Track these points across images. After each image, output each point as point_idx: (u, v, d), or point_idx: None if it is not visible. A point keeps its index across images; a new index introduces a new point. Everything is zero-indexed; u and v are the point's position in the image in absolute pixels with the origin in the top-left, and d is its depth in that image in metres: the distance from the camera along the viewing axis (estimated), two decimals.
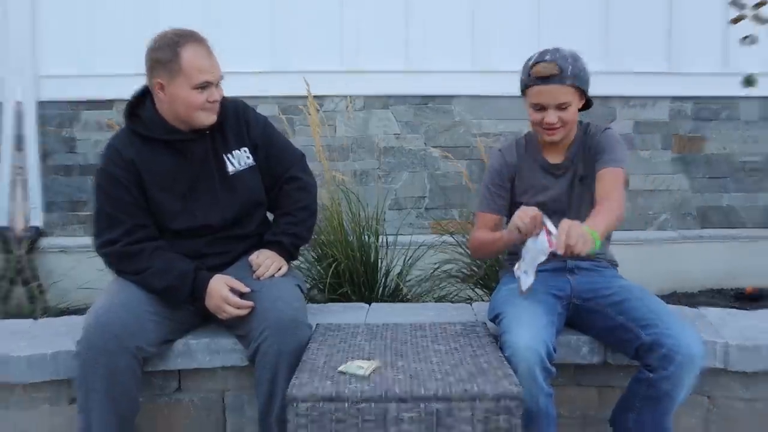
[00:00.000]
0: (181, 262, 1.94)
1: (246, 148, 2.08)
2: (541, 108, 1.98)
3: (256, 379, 1.87)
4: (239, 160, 2.07)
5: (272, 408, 1.84)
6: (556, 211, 2.05)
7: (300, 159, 2.21)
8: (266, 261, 2.02)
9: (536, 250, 1.82)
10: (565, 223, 1.76)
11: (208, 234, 2.03)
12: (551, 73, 1.92)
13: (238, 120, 2.10)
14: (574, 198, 2.13)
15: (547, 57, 1.95)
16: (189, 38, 1.93)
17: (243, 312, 1.90)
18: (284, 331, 1.83)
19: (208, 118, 1.97)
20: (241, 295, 1.93)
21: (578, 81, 1.96)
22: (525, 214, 1.84)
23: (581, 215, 1.98)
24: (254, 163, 2.09)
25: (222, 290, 1.91)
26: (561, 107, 1.96)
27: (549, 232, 1.80)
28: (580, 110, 2.08)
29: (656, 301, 1.96)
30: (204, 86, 1.91)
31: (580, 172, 2.11)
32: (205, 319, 2.09)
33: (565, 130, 2.03)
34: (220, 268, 2.02)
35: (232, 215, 2.05)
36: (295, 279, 2.12)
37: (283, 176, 2.13)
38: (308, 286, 2.51)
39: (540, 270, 1.93)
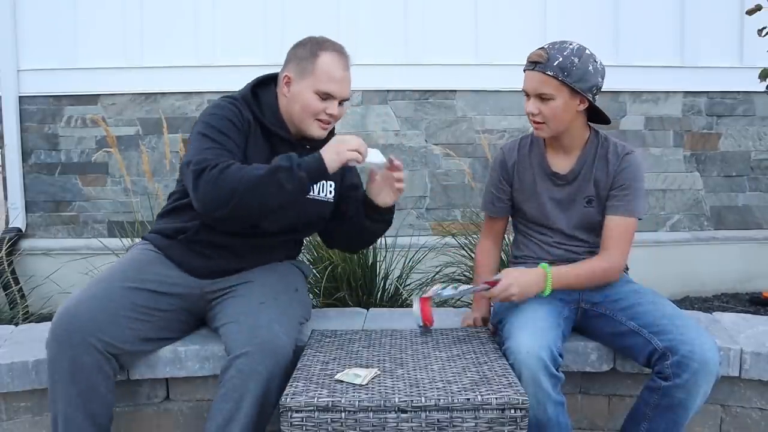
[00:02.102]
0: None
1: (333, 183, 2.10)
2: (527, 96, 1.96)
3: (218, 395, 1.77)
4: (321, 189, 2.08)
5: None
6: (548, 224, 2.08)
7: None
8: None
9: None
10: (506, 279, 1.85)
11: (255, 235, 1.99)
12: (537, 59, 1.90)
13: None
14: (572, 215, 2.06)
15: (546, 45, 1.93)
16: (333, 47, 1.97)
17: (364, 146, 1.85)
18: (268, 355, 1.75)
19: (318, 131, 1.98)
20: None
21: (566, 76, 1.87)
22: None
23: (572, 233, 2.04)
24: (333, 201, 2.11)
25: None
26: (542, 98, 1.91)
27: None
28: (591, 121, 2.03)
29: (669, 305, 1.92)
30: (326, 96, 1.94)
31: (587, 193, 2.04)
32: (195, 322, 2.06)
33: (550, 128, 1.96)
34: (239, 271, 2.01)
35: (285, 229, 2.05)
36: (301, 306, 2.07)
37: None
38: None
39: None
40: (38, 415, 2.00)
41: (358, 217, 2.07)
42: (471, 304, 2.91)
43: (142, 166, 3.26)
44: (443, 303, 2.91)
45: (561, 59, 1.87)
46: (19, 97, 3.72)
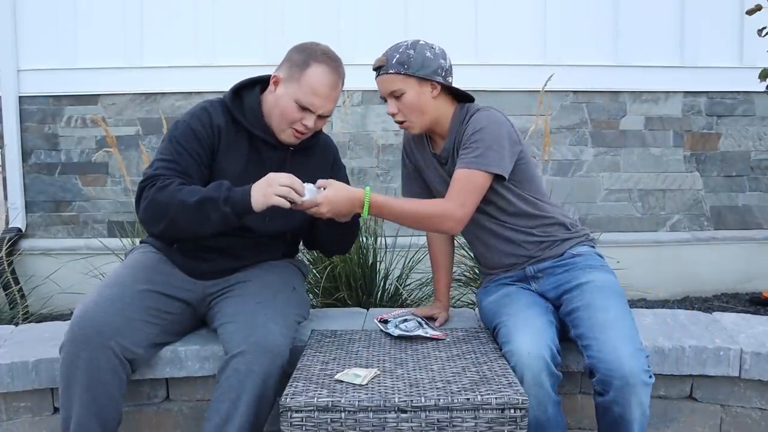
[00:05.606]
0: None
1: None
2: (385, 100, 2.02)
3: (215, 395, 1.77)
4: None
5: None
6: None
7: None
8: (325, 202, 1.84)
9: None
10: (330, 191, 1.82)
11: (243, 235, 1.99)
12: (379, 64, 1.98)
13: (326, 156, 2.13)
14: None
15: (385, 50, 2.00)
16: (329, 62, 1.92)
17: (297, 184, 1.78)
18: (264, 354, 1.75)
19: (290, 138, 1.97)
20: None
21: (407, 68, 1.94)
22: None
23: (480, 211, 2.00)
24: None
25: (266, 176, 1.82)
26: (396, 97, 1.97)
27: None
28: (461, 102, 2.05)
29: (600, 308, 1.82)
30: (305, 108, 1.91)
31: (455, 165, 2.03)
32: (199, 324, 2.06)
33: (415, 122, 1.99)
34: (237, 270, 2.02)
35: (274, 231, 2.04)
36: (298, 305, 2.05)
37: None
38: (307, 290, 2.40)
39: (504, 282, 2.04)
40: (38, 415, 1.99)
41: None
42: (472, 304, 2.94)
43: (142, 166, 3.25)
44: None
45: (398, 56, 1.94)
46: (19, 97, 3.72)
